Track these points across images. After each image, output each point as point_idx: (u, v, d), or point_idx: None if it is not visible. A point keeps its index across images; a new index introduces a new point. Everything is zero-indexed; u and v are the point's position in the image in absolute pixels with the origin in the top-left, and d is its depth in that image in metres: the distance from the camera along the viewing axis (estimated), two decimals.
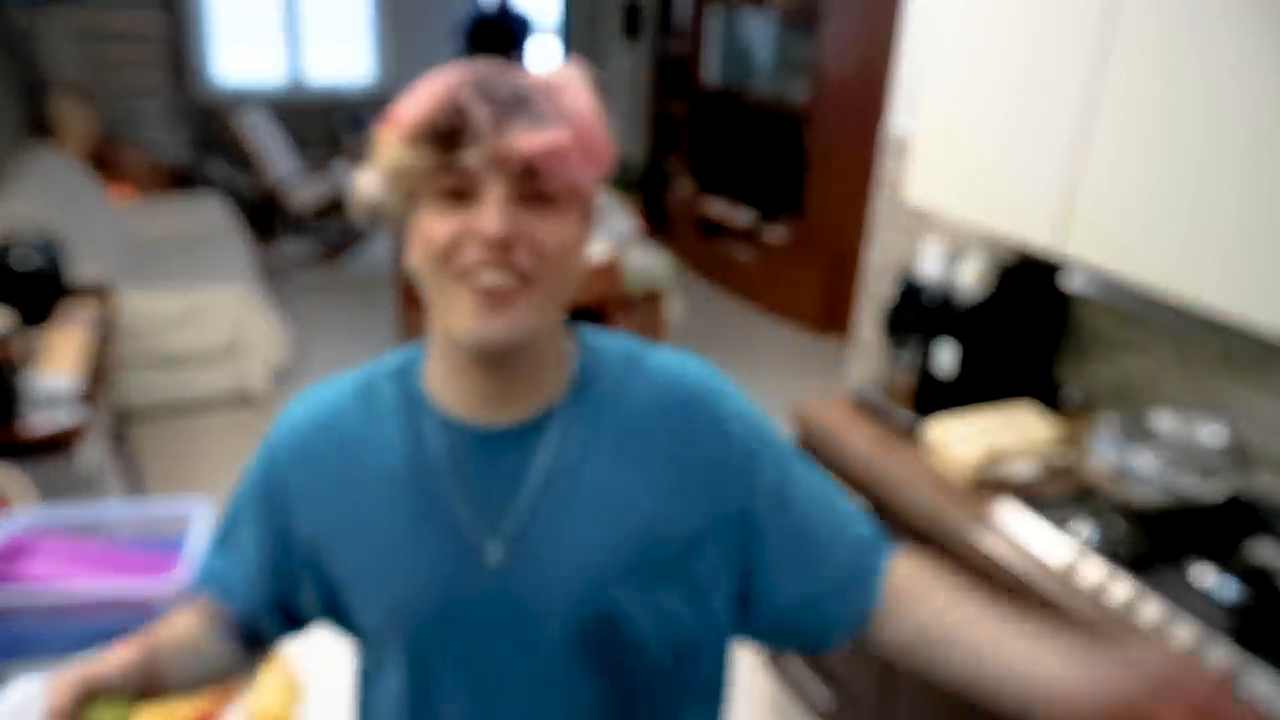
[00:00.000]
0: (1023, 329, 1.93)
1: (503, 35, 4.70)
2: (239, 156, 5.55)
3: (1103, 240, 1.52)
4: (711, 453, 0.78)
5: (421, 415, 0.77)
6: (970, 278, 1.86)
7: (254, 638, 0.86)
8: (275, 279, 4.90)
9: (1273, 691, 1.20)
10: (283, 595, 0.85)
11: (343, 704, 1.27)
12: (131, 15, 4.84)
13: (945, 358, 1.88)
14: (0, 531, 1.40)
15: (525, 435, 0.75)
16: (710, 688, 0.85)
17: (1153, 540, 1.50)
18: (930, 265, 1.93)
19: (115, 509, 1.67)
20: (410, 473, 0.77)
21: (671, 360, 0.81)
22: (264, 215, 5.51)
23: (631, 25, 6.69)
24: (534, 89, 0.68)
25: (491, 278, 0.67)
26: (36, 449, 2.03)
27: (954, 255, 1.92)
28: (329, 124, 6.41)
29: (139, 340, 3.43)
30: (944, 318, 1.87)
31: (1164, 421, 1.67)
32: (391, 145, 0.68)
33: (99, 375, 2.62)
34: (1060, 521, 1.54)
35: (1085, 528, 1.53)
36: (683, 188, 5.72)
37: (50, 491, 1.97)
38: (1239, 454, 1.62)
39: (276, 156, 5.48)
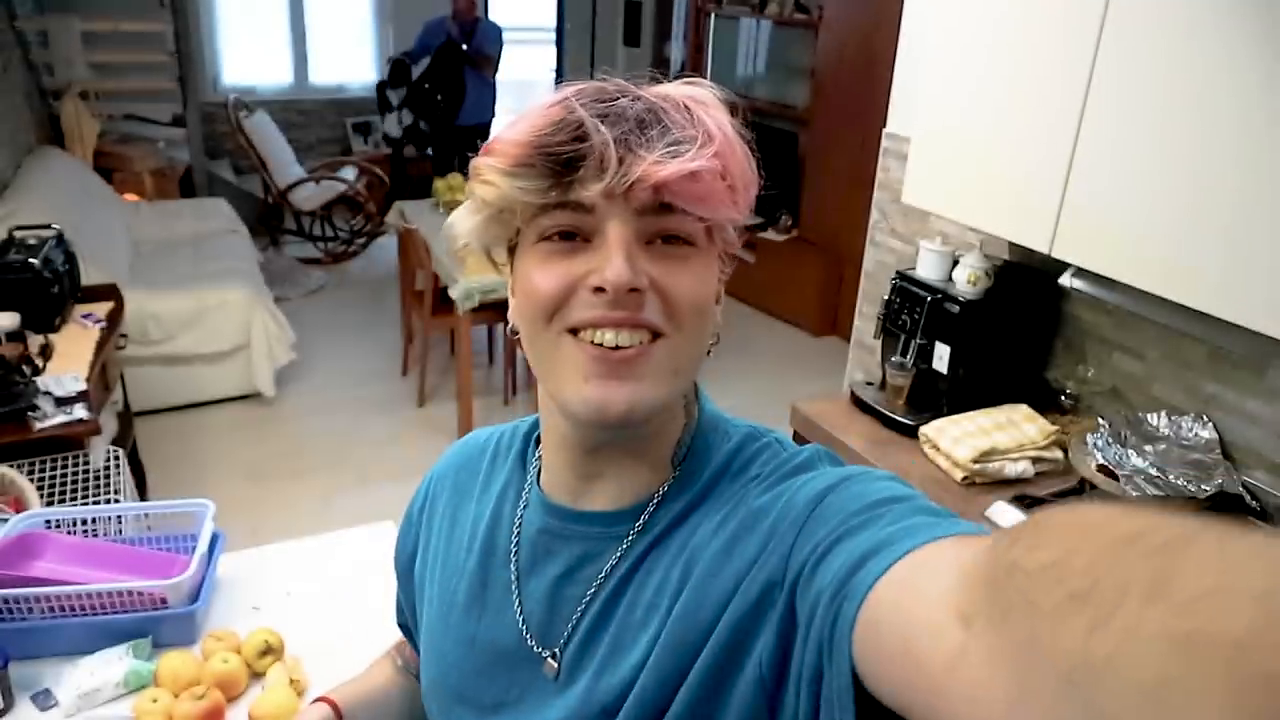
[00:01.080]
0: (1018, 330, 1.95)
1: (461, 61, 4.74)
2: (245, 159, 5.58)
3: (1095, 242, 1.54)
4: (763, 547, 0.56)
5: (524, 478, 0.68)
6: (966, 279, 1.88)
7: None
8: (281, 280, 4.94)
9: None
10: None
11: None
12: (139, 19, 4.87)
13: (941, 358, 1.90)
14: (10, 530, 1.43)
15: (604, 528, 0.62)
16: None
17: None
18: (927, 266, 1.94)
19: (124, 508, 1.69)
20: (490, 542, 0.68)
21: (802, 455, 0.61)
22: (270, 217, 5.54)
23: (631, 32, 6.71)
24: (668, 104, 0.55)
25: (614, 338, 0.53)
26: (46, 448, 2.05)
27: (950, 257, 1.94)
28: (334, 126, 6.44)
29: (146, 341, 3.46)
30: (940, 318, 1.89)
31: (1156, 421, 1.69)
32: (494, 175, 0.55)
33: (107, 375, 2.65)
34: None
35: None
36: None
37: (59, 490, 2.00)
38: (1229, 453, 1.64)
39: (282, 158, 5.52)
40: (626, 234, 0.53)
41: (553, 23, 6.92)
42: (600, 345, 0.54)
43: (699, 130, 0.54)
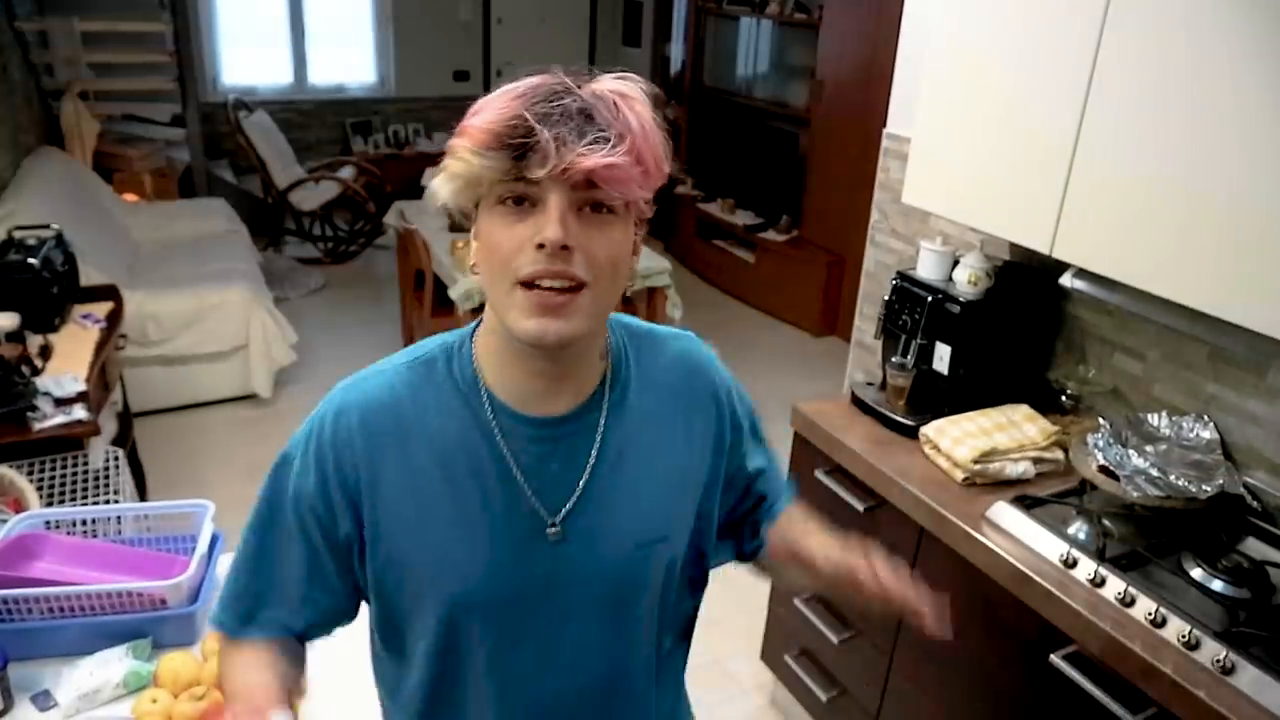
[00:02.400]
0: (1018, 330, 1.95)
1: None
2: (245, 159, 5.58)
3: (1095, 242, 1.54)
4: (716, 414, 0.93)
5: (479, 400, 0.83)
6: (967, 279, 1.88)
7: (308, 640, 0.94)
8: (281, 281, 4.93)
9: (1266, 687, 1.21)
10: (340, 595, 0.90)
11: (343, 703, 1.29)
12: (139, 19, 4.87)
13: (942, 358, 1.90)
14: (9, 530, 1.43)
15: (577, 421, 0.84)
16: (689, 619, 1.01)
17: (1146, 539, 1.51)
18: (927, 267, 1.94)
19: (123, 509, 1.69)
20: (471, 456, 0.82)
21: (672, 335, 0.95)
22: (270, 217, 5.54)
23: (631, 32, 6.71)
24: (600, 104, 0.72)
25: (549, 284, 0.73)
26: (46, 448, 2.05)
27: (951, 257, 1.94)
28: (334, 126, 6.44)
29: (146, 341, 3.46)
30: (941, 319, 1.89)
31: (1157, 421, 1.69)
32: (464, 153, 0.73)
33: (107, 376, 2.65)
34: (1054, 520, 1.55)
35: (1079, 527, 1.55)
36: (683, 190, 5.74)
37: (59, 491, 2.00)
38: (1230, 453, 1.64)
39: (282, 159, 5.51)
40: (562, 204, 0.72)
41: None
42: (539, 288, 0.73)
43: (621, 125, 0.72)
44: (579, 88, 0.73)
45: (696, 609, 1.01)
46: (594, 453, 0.84)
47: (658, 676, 0.96)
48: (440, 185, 0.77)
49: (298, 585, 0.88)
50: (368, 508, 0.83)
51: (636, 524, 0.86)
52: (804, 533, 0.93)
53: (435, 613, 0.84)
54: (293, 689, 0.89)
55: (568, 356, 0.80)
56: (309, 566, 0.87)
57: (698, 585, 0.99)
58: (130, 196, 4.73)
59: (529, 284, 0.73)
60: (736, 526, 1.01)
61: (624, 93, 0.74)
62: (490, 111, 0.72)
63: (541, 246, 0.71)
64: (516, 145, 0.70)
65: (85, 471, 2.06)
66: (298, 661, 0.92)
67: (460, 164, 0.73)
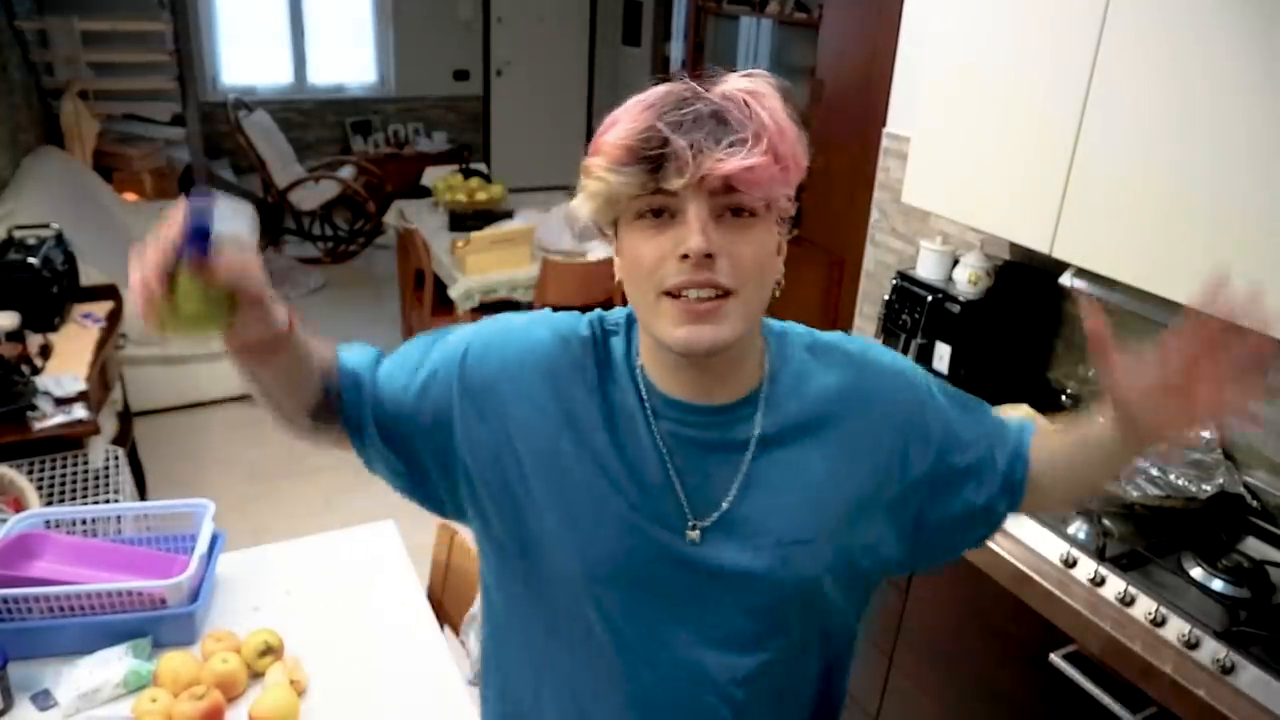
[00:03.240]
0: (1018, 330, 1.95)
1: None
2: (245, 158, 5.58)
3: (1095, 242, 1.54)
4: (880, 434, 0.85)
5: (640, 386, 0.82)
6: (967, 279, 1.88)
7: (330, 412, 0.92)
8: (281, 280, 4.93)
9: (1266, 687, 1.21)
10: (408, 449, 0.90)
11: (343, 703, 1.29)
12: (138, 19, 4.87)
13: (942, 358, 1.90)
14: (9, 530, 1.43)
15: (729, 419, 0.81)
16: (847, 633, 0.94)
17: (1146, 538, 1.51)
18: (927, 266, 1.94)
19: (123, 508, 1.69)
20: (629, 437, 0.81)
21: (839, 343, 0.89)
22: (270, 216, 5.54)
23: (631, 31, 6.71)
24: (731, 105, 0.71)
25: (696, 294, 0.72)
26: (46, 448, 2.05)
27: (951, 257, 1.94)
28: (334, 125, 6.44)
29: (146, 340, 3.46)
30: (941, 318, 1.89)
31: None
32: (600, 170, 0.73)
33: (107, 375, 2.65)
34: (1054, 520, 1.55)
35: (1079, 526, 1.55)
36: None
37: (59, 490, 2.00)
38: (1230, 453, 1.64)
39: (282, 158, 5.51)
40: (702, 213, 0.71)
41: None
42: (686, 298, 0.72)
43: (755, 124, 0.70)
44: (707, 90, 0.72)
45: (851, 638, 0.94)
46: (740, 458, 0.81)
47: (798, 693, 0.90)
48: (579, 205, 0.77)
49: (390, 396, 0.90)
50: (493, 439, 0.83)
51: (780, 544, 0.81)
52: (1073, 425, 0.87)
53: (551, 581, 0.84)
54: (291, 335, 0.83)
55: (720, 363, 0.79)
56: (421, 397, 0.88)
57: (852, 603, 0.91)
58: (130, 196, 4.73)
59: (675, 294, 0.72)
60: (1010, 484, 0.88)
61: (754, 90, 0.73)
62: (623, 125, 0.72)
63: (685, 257, 0.70)
64: (653, 157, 0.69)
65: (85, 471, 2.06)
66: (317, 361, 0.91)
67: (597, 183, 0.73)
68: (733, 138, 0.69)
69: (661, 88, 0.74)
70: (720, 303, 0.72)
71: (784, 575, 0.81)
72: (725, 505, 0.81)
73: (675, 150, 0.68)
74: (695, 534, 0.81)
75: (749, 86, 0.73)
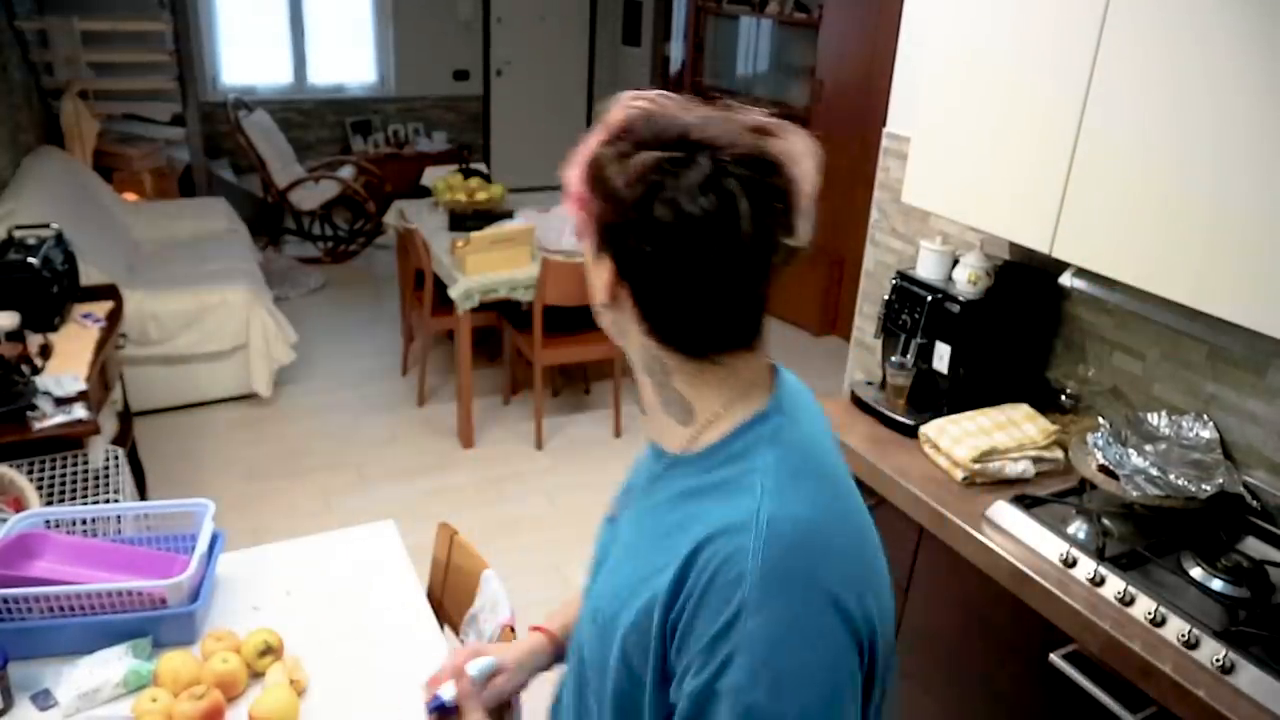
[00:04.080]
0: (1018, 330, 1.95)
1: None
2: (245, 158, 5.58)
3: (1095, 241, 1.54)
4: (682, 611, 0.68)
5: None
6: (966, 279, 1.88)
7: None
8: (281, 280, 4.93)
9: (1265, 686, 1.21)
10: None
11: (343, 703, 1.29)
12: (138, 19, 4.87)
13: (941, 358, 1.90)
14: (9, 529, 1.43)
15: (656, 459, 0.83)
16: None
17: (1145, 538, 1.51)
18: (927, 266, 1.94)
19: (123, 508, 1.69)
20: None
21: (764, 519, 0.67)
22: (270, 217, 5.54)
23: (631, 32, 6.71)
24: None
25: None
26: (46, 447, 2.05)
27: (950, 257, 1.94)
28: (334, 125, 6.44)
29: (146, 340, 3.46)
30: (940, 318, 1.89)
31: (1156, 421, 1.69)
32: None
33: (107, 375, 2.65)
34: (1054, 520, 1.55)
35: (1079, 526, 1.55)
36: None
37: (59, 490, 2.00)
38: (1230, 453, 1.64)
39: (282, 158, 5.51)
40: None
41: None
42: None
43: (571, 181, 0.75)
44: None
45: None
46: (641, 487, 0.84)
47: None
48: None
49: None
50: None
51: (600, 582, 0.86)
52: None
53: None
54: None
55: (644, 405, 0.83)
56: None
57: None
58: (130, 196, 4.73)
59: None
60: None
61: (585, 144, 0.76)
62: None
63: None
64: None
65: (85, 471, 2.06)
66: None
67: None
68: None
69: None
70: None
71: (584, 637, 0.85)
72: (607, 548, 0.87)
73: None
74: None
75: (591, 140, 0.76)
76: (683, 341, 0.72)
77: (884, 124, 2.37)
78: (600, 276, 0.75)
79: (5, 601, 1.28)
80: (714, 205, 0.65)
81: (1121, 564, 1.44)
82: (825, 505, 0.71)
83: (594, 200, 0.72)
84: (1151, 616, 1.34)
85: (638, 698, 0.73)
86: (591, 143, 0.74)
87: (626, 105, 0.74)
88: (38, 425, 2.06)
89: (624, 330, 0.77)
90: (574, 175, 0.74)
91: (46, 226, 2.82)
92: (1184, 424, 1.67)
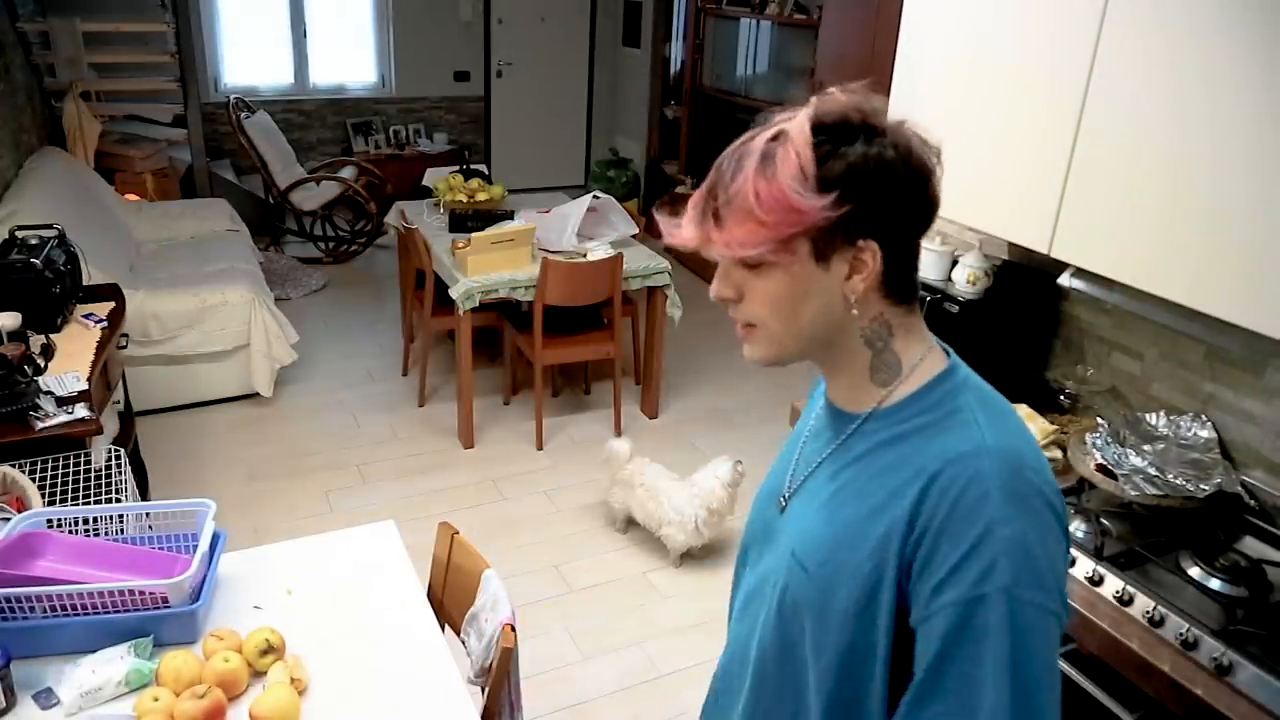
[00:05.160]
0: (1017, 330, 1.95)
1: None
2: (246, 159, 5.59)
3: (1094, 242, 1.54)
4: (923, 534, 0.75)
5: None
6: (966, 279, 1.88)
7: None
8: (282, 280, 4.94)
9: (1263, 685, 1.21)
10: None
11: (343, 702, 1.30)
12: (140, 20, 4.88)
13: None
14: (12, 529, 1.43)
15: (839, 416, 0.88)
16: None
17: (1144, 537, 1.52)
18: (926, 266, 1.95)
19: (125, 507, 1.70)
20: (808, 420, 0.96)
21: (975, 435, 0.78)
22: (271, 217, 5.55)
23: (631, 32, 6.72)
24: (725, 169, 0.79)
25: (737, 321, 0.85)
26: (48, 447, 2.06)
27: (950, 257, 1.94)
28: (335, 126, 6.45)
29: (148, 340, 3.46)
30: (940, 318, 1.89)
31: (1155, 420, 1.69)
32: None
33: (109, 375, 2.66)
34: None
35: (1077, 525, 1.55)
36: (682, 190, 5.74)
37: (61, 490, 2.00)
38: (1228, 452, 1.64)
39: (283, 159, 5.52)
40: (723, 264, 0.82)
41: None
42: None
43: (733, 190, 0.77)
44: (749, 141, 0.79)
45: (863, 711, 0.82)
46: (826, 453, 0.88)
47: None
48: None
49: None
50: None
51: (801, 538, 0.85)
52: None
53: None
54: None
55: (822, 365, 0.87)
56: None
57: (862, 678, 0.81)
58: (132, 196, 4.74)
59: None
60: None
61: (744, 150, 0.79)
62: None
63: None
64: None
65: (87, 470, 2.06)
66: None
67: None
68: (718, 209, 0.78)
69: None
70: (750, 331, 0.84)
71: (790, 588, 0.86)
72: (796, 495, 0.90)
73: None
74: (783, 503, 0.92)
75: (748, 143, 0.79)
76: (906, 289, 0.83)
77: None
78: (790, 280, 0.79)
79: (8, 600, 1.29)
80: (934, 155, 0.84)
81: (1120, 563, 1.45)
82: (1022, 429, 0.83)
83: (855, 192, 0.77)
84: (1150, 616, 1.34)
85: (870, 637, 0.80)
86: (752, 163, 0.77)
87: (821, 102, 0.82)
88: (40, 425, 2.07)
89: (864, 309, 0.81)
90: (761, 203, 0.76)
91: (49, 227, 2.83)
92: (1182, 424, 1.67)
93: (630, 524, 3.02)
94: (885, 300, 0.82)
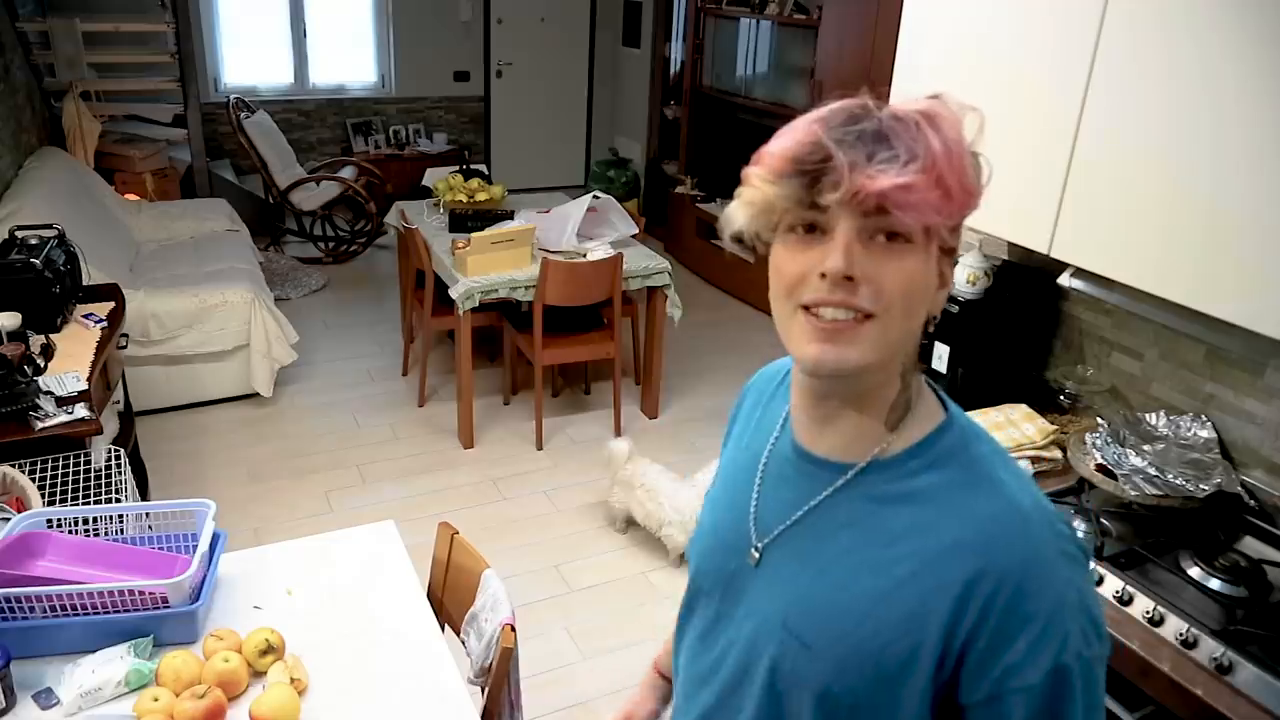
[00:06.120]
0: (1017, 330, 1.95)
1: None
2: (246, 159, 5.59)
3: (1094, 242, 1.55)
4: (955, 608, 0.70)
5: (786, 412, 0.85)
6: (965, 279, 1.88)
7: None
8: (282, 280, 4.94)
9: (1263, 685, 1.21)
10: None
11: (343, 703, 1.30)
12: (140, 20, 4.88)
13: (940, 358, 1.91)
14: (11, 529, 1.43)
15: (825, 467, 0.78)
16: None
17: (1143, 537, 1.52)
18: None
19: (125, 507, 1.70)
20: (758, 454, 0.86)
21: (1010, 494, 0.72)
22: (271, 217, 5.55)
23: (631, 32, 6.72)
24: (899, 125, 0.69)
25: (831, 314, 0.69)
26: (48, 447, 2.06)
27: None
28: (335, 126, 6.45)
29: (148, 340, 3.47)
30: (940, 318, 1.89)
31: (1154, 420, 1.69)
32: (759, 180, 0.71)
33: (109, 375, 2.66)
34: None
35: (1077, 525, 1.55)
36: (683, 190, 5.74)
37: (61, 490, 2.00)
38: (1228, 452, 1.64)
39: (283, 159, 5.52)
40: (849, 232, 0.68)
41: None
42: (819, 318, 0.70)
43: (921, 146, 0.67)
44: (880, 109, 0.71)
45: None
46: (809, 505, 0.78)
47: None
48: (734, 212, 0.74)
49: None
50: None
51: (797, 607, 0.77)
52: None
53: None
54: None
55: (846, 394, 0.75)
56: None
57: None
58: (132, 196, 4.74)
59: (812, 310, 0.70)
60: None
61: (929, 111, 0.70)
62: (789, 136, 0.71)
63: (824, 276, 0.68)
64: (811, 170, 0.68)
65: (87, 470, 2.06)
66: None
67: (754, 191, 0.72)
68: (892, 155, 0.66)
69: (839, 102, 0.72)
70: (856, 325, 0.69)
71: (775, 660, 0.79)
72: (776, 544, 0.81)
73: (834, 165, 0.67)
74: (755, 555, 0.82)
75: (926, 108, 0.71)
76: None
77: None
78: (925, 271, 0.70)
79: (8, 601, 1.29)
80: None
81: (1120, 563, 1.45)
82: (1034, 483, 0.77)
83: (966, 191, 0.70)
84: (1150, 615, 1.34)
85: (895, 717, 0.74)
86: (952, 133, 0.70)
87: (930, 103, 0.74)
88: (40, 425, 2.07)
89: (919, 330, 0.73)
90: (955, 170, 0.68)
91: (49, 227, 2.83)
92: (1182, 424, 1.67)
93: (630, 524, 3.02)
94: (932, 323, 0.74)
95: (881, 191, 0.65)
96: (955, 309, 1.86)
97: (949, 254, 0.73)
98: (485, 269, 3.29)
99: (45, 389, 2.19)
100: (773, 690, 0.78)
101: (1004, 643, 0.68)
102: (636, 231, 3.73)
